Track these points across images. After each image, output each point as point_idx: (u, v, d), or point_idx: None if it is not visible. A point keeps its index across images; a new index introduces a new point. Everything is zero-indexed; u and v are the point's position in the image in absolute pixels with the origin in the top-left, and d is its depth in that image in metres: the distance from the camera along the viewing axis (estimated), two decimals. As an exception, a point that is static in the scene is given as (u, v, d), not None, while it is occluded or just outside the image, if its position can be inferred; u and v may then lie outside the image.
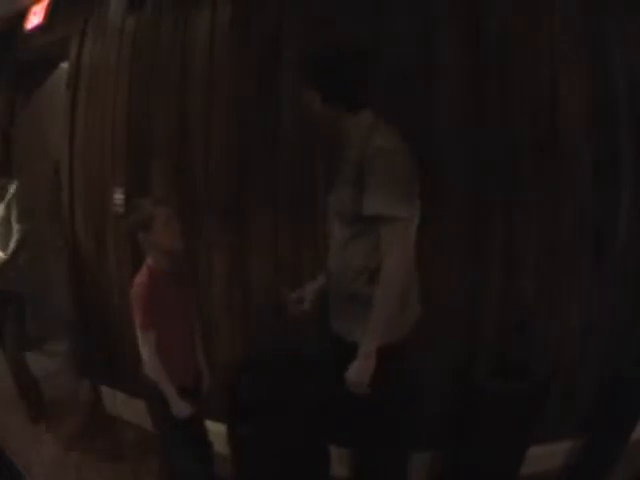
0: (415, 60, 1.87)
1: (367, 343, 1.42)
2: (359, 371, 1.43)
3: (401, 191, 1.38)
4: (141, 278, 1.65)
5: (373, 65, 1.61)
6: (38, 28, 2.89)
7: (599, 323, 1.99)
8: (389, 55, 1.85)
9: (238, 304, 2.19)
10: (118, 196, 2.22)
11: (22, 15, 2.96)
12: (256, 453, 1.88)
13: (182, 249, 1.69)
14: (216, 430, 1.94)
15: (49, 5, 2.80)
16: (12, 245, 2.41)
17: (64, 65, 2.71)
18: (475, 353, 1.99)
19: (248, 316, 2.19)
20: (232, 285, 2.19)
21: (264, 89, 2.03)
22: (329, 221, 1.59)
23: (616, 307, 2.00)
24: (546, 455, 2.02)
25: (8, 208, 2.43)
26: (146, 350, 1.63)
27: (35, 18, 2.93)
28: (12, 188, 2.45)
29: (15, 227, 2.42)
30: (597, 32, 1.85)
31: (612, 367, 2.03)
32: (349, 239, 1.50)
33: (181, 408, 1.65)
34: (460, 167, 1.89)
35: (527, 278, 1.96)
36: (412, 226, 1.44)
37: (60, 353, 3.26)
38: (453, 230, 1.93)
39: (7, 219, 2.43)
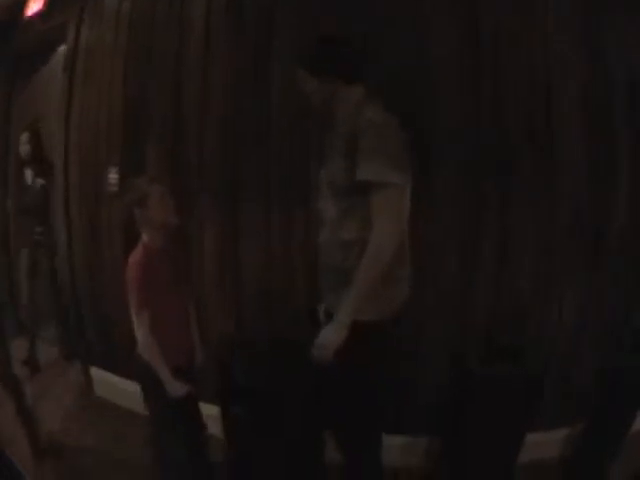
0: (413, 43, 1.90)
1: (344, 311, 1.42)
2: (328, 337, 1.42)
3: (392, 160, 1.39)
4: (136, 257, 1.66)
5: (369, 42, 1.65)
6: (38, 14, 2.92)
7: (595, 308, 2.02)
8: (386, 34, 1.88)
9: (230, 283, 2.21)
10: (113, 176, 2.23)
11: (22, 3, 2.98)
12: (249, 434, 1.88)
13: (176, 224, 1.71)
14: (210, 413, 1.94)
15: (49, -9, 2.83)
16: None
17: (61, 49, 2.72)
18: (470, 337, 2.00)
19: (241, 295, 2.20)
20: (225, 264, 2.20)
21: (257, 68, 2.06)
22: (321, 195, 1.61)
23: (612, 293, 2.02)
24: (543, 443, 2.03)
25: None
26: (141, 330, 1.64)
27: (35, 4, 2.96)
28: None
29: None
30: (595, 31, 1.88)
31: (609, 353, 2.04)
32: (341, 215, 1.50)
33: (175, 388, 1.65)
34: (455, 154, 1.92)
35: (522, 262, 1.99)
36: (404, 195, 1.45)
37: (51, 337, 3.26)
38: (448, 212, 1.95)
39: None
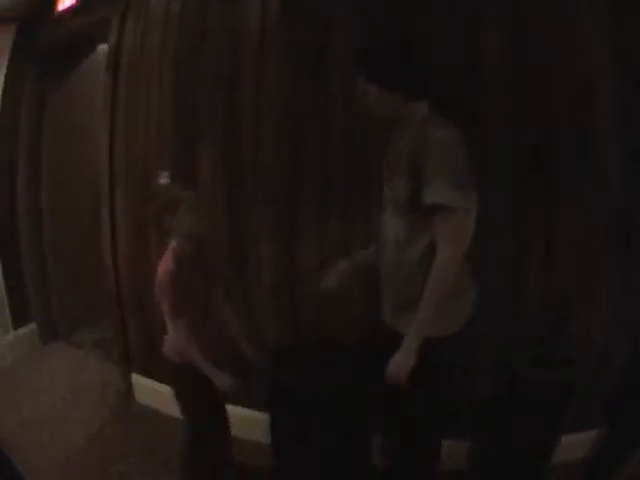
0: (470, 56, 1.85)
1: (412, 337, 1.42)
2: (400, 365, 1.43)
3: (458, 182, 1.35)
4: (167, 265, 1.62)
5: (433, 56, 1.59)
6: (70, 10, 2.83)
7: (630, 310, 1.98)
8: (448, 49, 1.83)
9: (285, 291, 2.17)
10: (164, 180, 2.17)
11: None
12: (297, 441, 1.89)
13: (204, 236, 1.70)
14: (238, 414, 1.96)
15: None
16: None
17: (101, 48, 2.64)
18: (515, 344, 1.98)
19: (294, 303, 2.16)
20: (279, 272, 2.16)
21: (317, 77, 2.00)
22: (385, 213, 1.57)
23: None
24: (569, 445, 2.01)
25: None
26: (179, 337, 1.63)
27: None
28: None
29: None
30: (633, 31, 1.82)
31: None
32: (406, 236, 1.48)
33: (224, 379, 1.65)
34: (505, 163, 1.88)
35: (566, 271, 1.96)
36: (469, 218, 1.43)
37: (88, 342, 3.24)
38: (497, 223, 1.91)
39: None
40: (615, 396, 2.05)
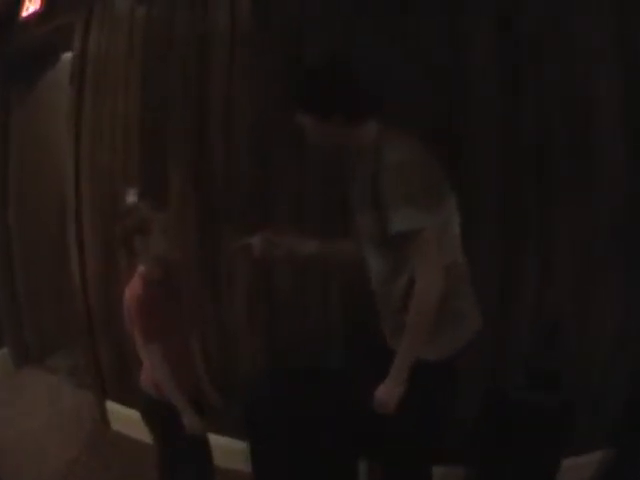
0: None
1: (399, 366, 1.36)
2: (388, 393, 1.37)
3: (423, 202, 1.28)
4: (135, 290, 1.54)
5: (365, 74, 1.44)
6: (35, 15, 2.69)
7: (631, 332, 1.93)
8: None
9: (261, 316, 2.08)
10: (131, 198, 2.04)
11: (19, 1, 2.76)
12: (277, 469, 1.83)
13: (178, 259, 1.63)
14: (218, 444, 1.87)
15: (46, -10, 2.61)
16: None
17: (66, 56, 2.51)
18: (507, 366, 1.93)
19: (271, 329, 2.08)
20: (255, 297, 2.07)
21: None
22: (363, 245, 1.49)
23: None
24: (573, 468, 1.94)
25: None
26: (153, 363, 1.55)
27: (31, 4, 2.73)
28: None
29: None
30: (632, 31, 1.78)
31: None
32: (387, 271, 1.42)
33: (194, 420, 1.57)
34: (490, 172, 1.82)
35: (560, 288, 1.90)
36: (445, 232, 1.36)
37: (62, 368, 3.12)
38: (485, 238, 1.86)
39: None
40: (621, 415, 1.99)
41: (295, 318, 2.05)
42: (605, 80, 1.78)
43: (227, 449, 2.10)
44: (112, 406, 2.54)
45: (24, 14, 2.75)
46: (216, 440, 1.86)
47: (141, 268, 1.57)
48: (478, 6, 1.75)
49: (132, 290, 1.55)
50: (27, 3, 2.76)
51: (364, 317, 1.60)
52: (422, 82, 1.77)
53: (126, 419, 2.43)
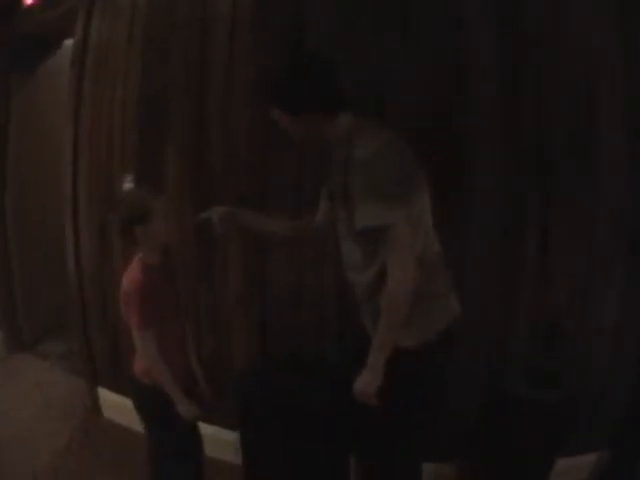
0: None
1: (375, 355, 1.37)
2: (366, 383, 1.39)
3: (393, 196, 1.28)
4: (134, 274, 1.54)
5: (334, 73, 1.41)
6: (38, 2, 2.69)
7: (632, 331, 1.93)
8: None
9: (253, 302, 2.08)
10: (128, 184, 2.04)
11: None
12: (268, 460, 1.83)
13: (176, 244, 1.65)
14: (208, 434, 1.87)
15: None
16: None
17: (68, 42, 2.51)
18: (506, 362, 1.92)
19: (264, 315, 2.07)
20: (248, 282, 2.06)
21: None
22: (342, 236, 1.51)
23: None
24: (571, 468, 1.94)
25: None
26: (146, 350, 1.54)
27: (34, -9, 2.73)
28: None
29: None
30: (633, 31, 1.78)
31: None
32: (365, 258, 1.42)
33: (189, 408, 1.58)
34: (491, 169, 1.82)
35: (559, 285, 1.89)
36: (416, 226, 1.35)
37: (55, 354, 3.12)
38: (484, 237, 1.86)
39: None
40: (620, 416, 1.99)
41: (288, 309, 2.04)
42: (605, 80, 1.77)
43: (217, 439, 2.10)
44: (104, 393, 2.53)
45: (28, 1, 2.76)
46: (205, 430, 1.85)
47: (140, 255, 1.58)
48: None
49: (131, 275, 1.55)
50: (30, -10, 2.77)
51: (352, 308, 1.60)
52: (393, 79, 1.77)
53: (118, 407, 2.43)
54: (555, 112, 1.79)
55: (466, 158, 1.82)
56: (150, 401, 1.64)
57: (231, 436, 2.02)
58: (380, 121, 1.38)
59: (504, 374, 1.89)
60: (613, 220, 1.84)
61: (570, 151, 1.81)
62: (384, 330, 1.35)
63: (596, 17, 1.76)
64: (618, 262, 1.88)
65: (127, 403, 2.28)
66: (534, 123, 1.80)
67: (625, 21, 1.75)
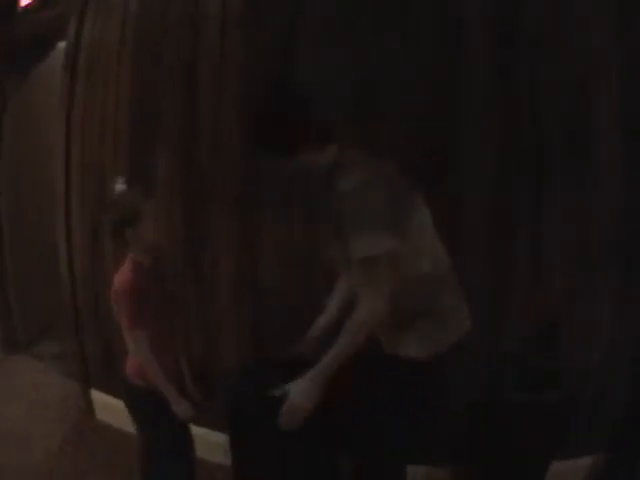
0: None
1: (321, 369, 1.33)
2: (295, 406, 1.37)
3: (381, 226, 1.26)
4: (125, 275, 1.56)
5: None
6: (33, 3, 2.70)
7: (630, 332, 1.91)
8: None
9: (245, 304, 2.08)
10: (119, 186, 2.05)
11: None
12: (258, 461, 1.78)
13: (166, 246, 1.68)
14: (199, 435, 1.88)
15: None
16: None
17: (61, 44, 2.52)
18: (505, 363, 1.90)
19: (256, 317, 2.08)
20: (240, 284, 2.06)
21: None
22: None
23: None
24: (567, 471, 1.93)
25: None
26: (140, 350, 1.55)
27: (28, -6, 2.74)
28: None
29: None
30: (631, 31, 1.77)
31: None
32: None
33: (184, 408, 1.59)
34: (483, 171, 1.82)
35: (555, 287, 1.88)
36: (410, 249, 1.31)
37: (49, 355, 3.13)
38: (477, 236, 1.86)
39: None
40: (617, 419, 1.97)
41: (279, 309, 2.04)
42: (604, 80, 1.77)
43: (206, 441, 2.09)
44: (97, 395, 2.54)
45: (23, 3, 2.77)
46: (195, 431, 1.85)
47: (131, 255, 1.59)
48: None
49: (121, 275, 1.56)
50: (26, -8, 2.78)
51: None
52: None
53: (111, 408, 2.43)
54: (552, 112, 1.79)
55: (465, 158, 1.82)
56: (142, 402, 1.64)
57: (221, 437, 2.02)
58: (367, 149, 1.36)
59: (503, 374, 1.88)
60: (610, 220, 1.84)
61: (566, 151, 1.80)
62: (336, 349, 1.31)
63: (596, 17, 1.75)
64: (616, 262, 1.87)
65: (120, 405, 2.30)
66: (530, 123, 1.79)
67: (625, 21, 1.75)
